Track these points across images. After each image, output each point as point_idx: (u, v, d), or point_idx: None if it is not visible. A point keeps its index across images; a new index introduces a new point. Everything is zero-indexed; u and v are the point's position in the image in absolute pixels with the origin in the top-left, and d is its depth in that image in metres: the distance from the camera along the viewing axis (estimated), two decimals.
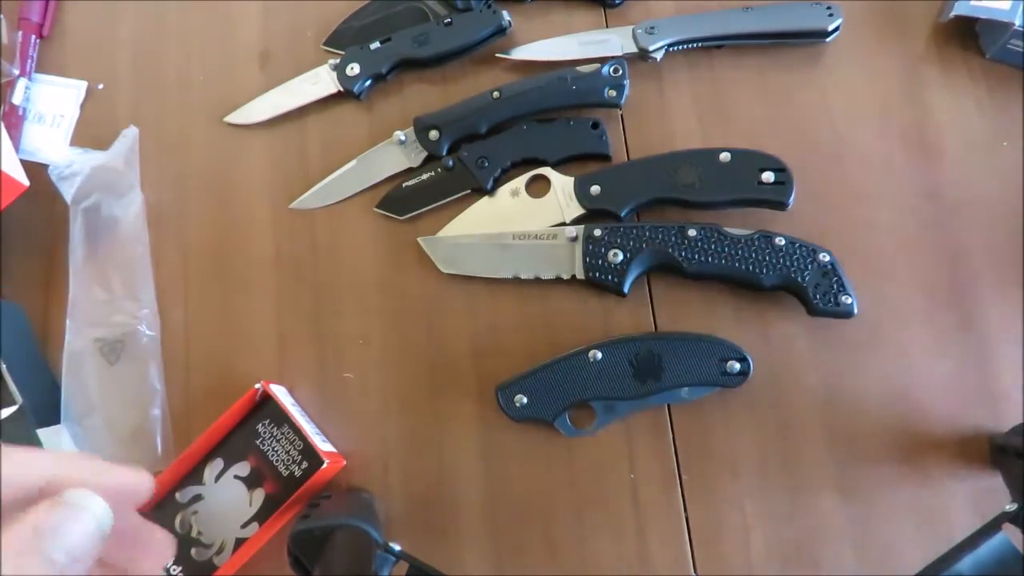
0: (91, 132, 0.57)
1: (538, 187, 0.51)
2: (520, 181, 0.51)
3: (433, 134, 0.52)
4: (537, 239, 0.49)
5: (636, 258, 0.47)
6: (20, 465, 0.24)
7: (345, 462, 0.48)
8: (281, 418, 0.47)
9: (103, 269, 0.53)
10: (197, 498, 0.47)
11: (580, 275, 0.48)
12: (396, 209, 0.52)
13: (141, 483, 0.27)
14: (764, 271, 0.45)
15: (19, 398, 0.48)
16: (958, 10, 0.49)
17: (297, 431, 0.47)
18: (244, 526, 0.46)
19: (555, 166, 0.51)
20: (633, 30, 0.52)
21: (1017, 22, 0.47)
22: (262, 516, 0.46)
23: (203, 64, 0.58)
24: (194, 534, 0.46)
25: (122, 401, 0.50)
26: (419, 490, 0.47)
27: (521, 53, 0.54)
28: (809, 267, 0.45)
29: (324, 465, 0.44)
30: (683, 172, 0.48)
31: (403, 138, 0.52)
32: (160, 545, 0.27)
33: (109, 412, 0.50)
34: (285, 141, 0.55)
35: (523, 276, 0.49)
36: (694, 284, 0.48)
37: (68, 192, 0.54)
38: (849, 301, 0.44)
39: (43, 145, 0.57)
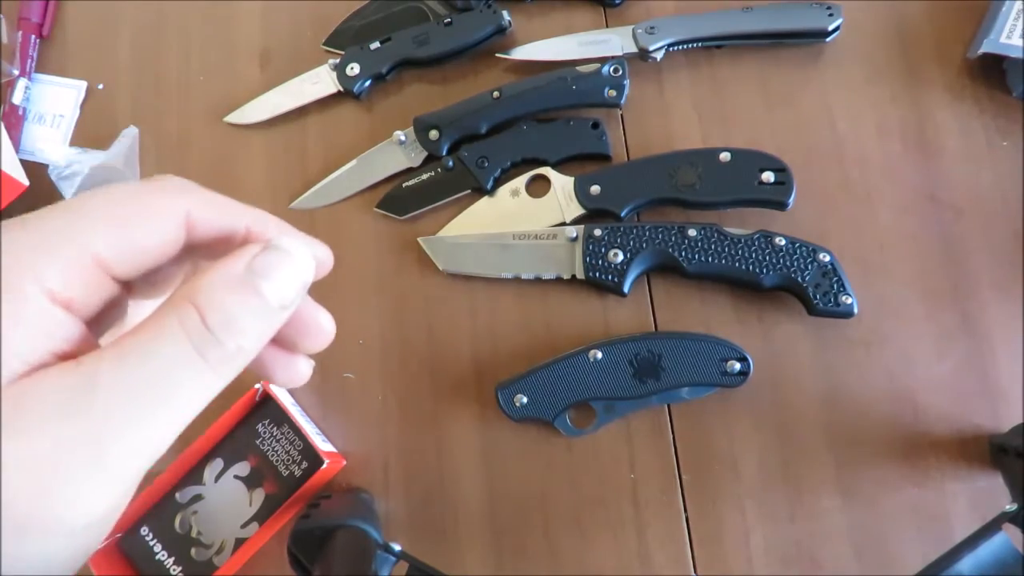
0: (91, 132, 0.57)
1: (538, 187, 0.51)
2: (520, 181, 0.51)
3: (433, 134, 0.52)
4: (537, 239, 0.49)
5: (636, 258, 0.47)
6: (225, 207, 0.22)
7: (345, 462, 0.48)
8: (281, 418, 0.47)
9: None
10: (197, 498, 0.47)
11: (580, 275, 0.48)
12: (396, 209, 0.52)
13: (328, 257, 0.25)
14: (764, 271, 0.45)
15: None
16: (986, 47, 0.47)
17: (297, 431, 0.47)
18: (244, 526, 0.46)
19: (555, 166, 0.51)
20: (633, 30, 0.52)
21: None
22: (262, 516, 0.46)
23: (203, 64, 0.58)
24: (194, 534, 0.46)
25: None
26: (419, 490, 0.47)
27: (521, 53, 0.53)
28: (809, 267, 0.45)
29: (324, 465, 0.44)
30: (683, 172, 0.48)
31: (403, 138, 0.52)
32: (324, 331, 0.25)
33: None
34: (285, 141, 0.55)
35: (523, 276, 0.49)
36: (694, 284, 0.48)
37: (68, 192, 0.54)
38: (849, 301, 0.44)
39: (43, 145, 0.57)
